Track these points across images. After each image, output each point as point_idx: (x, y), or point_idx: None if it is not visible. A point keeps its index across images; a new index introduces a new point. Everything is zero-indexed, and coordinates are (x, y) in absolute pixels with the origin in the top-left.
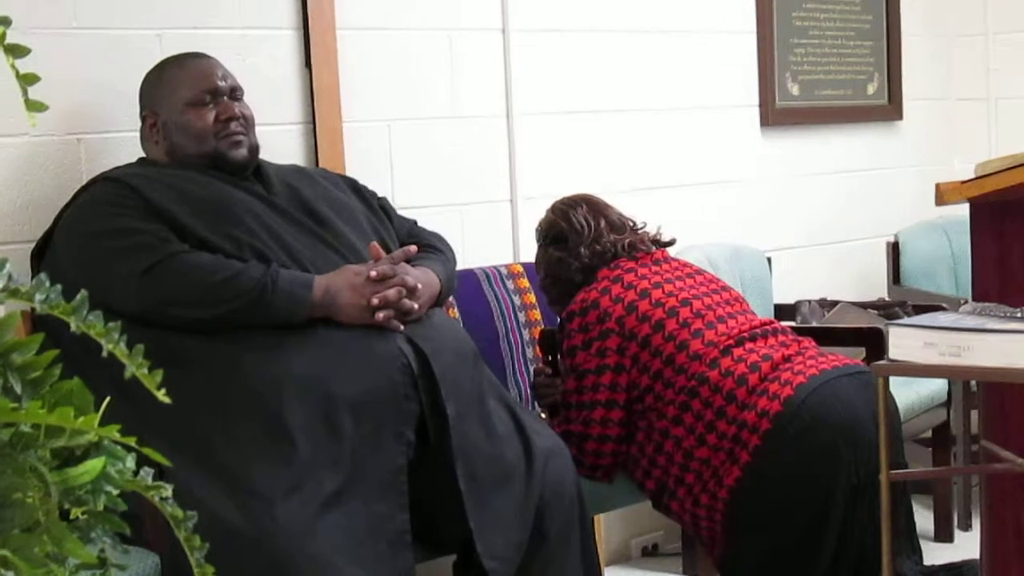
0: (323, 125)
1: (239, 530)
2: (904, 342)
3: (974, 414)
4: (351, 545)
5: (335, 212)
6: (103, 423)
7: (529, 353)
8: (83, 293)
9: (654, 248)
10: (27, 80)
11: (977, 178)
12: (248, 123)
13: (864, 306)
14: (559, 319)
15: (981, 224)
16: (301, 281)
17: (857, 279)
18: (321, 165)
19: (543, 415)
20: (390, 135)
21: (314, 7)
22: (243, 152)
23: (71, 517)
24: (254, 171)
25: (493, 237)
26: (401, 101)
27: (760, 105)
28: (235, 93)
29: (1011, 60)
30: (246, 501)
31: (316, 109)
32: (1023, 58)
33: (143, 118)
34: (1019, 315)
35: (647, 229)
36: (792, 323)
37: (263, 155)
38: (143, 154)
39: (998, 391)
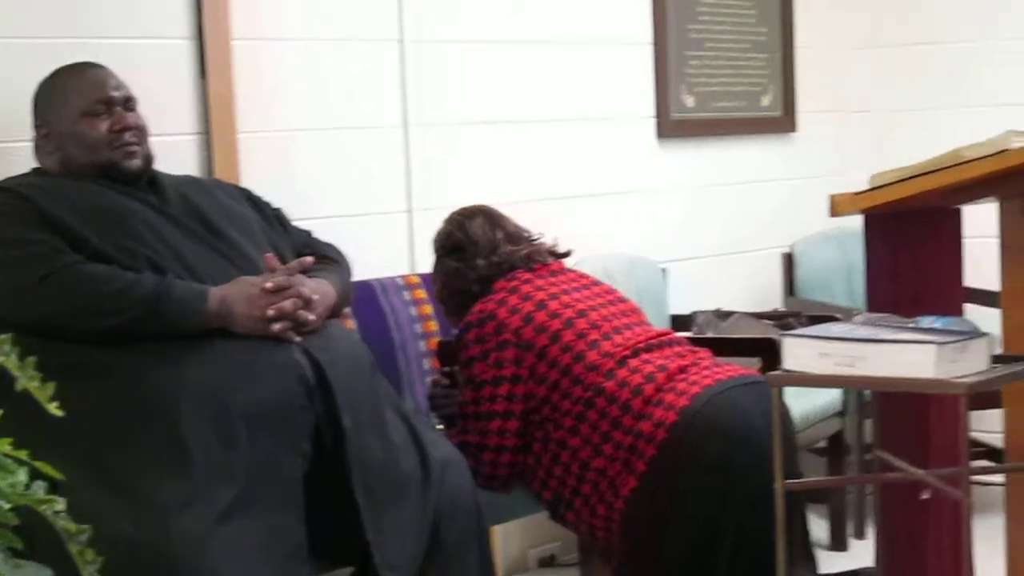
0: (218, 135)
1: (134, 543)
2: (799, 352)
3: (868, 424)
4: (247, 558)
5: (230, 223)
6: None
7: (426, 364)
8: None
9: (551, 259)
10: None
11: (871, 190)
12: (142, 133)
13: (759, 317)
14: (456, 330)
15: (874, 235)
16: (196, 292)
17: (752, 290)
18: (216, 176)
19: (440, 426)
20: (285, 145)
21: (209, 17)
22: (137, 162)
23: None
24: (148, 182)
25: (390, 248)
26: (297, 111)
27: (656, 116)
28: (129, 103)
29: (905, 72)
30: (141, 514)
31: (211, 119)
32: (917, 70)
33: (36, 128)
34: (912, 325)
35: (544, 240)
36: (688, 334)
37: (158, 166)
38: (37, 164)
39: (892, 401)
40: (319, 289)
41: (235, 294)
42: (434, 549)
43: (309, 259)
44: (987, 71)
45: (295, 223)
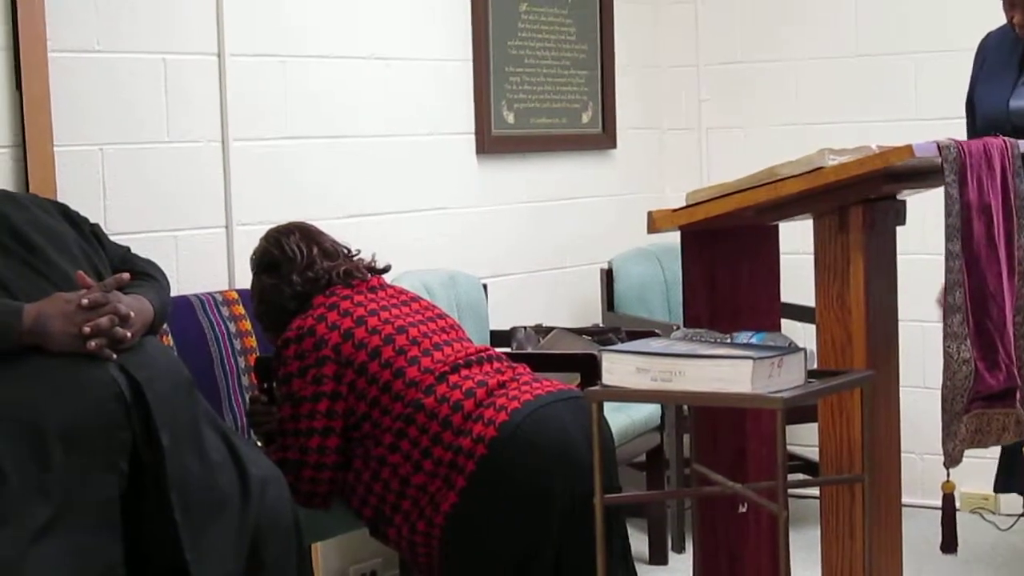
0: (33, 149)
1: None
2: (617, 367)
3: (687, 438)
4: None
5: (46, 239)
6: None
7: (245, 381)
8: None
9: (369, 275)
10: None
11: (688, 206)
12: None
13: (579, 332)
14: (275, 346)
15: (691, 251)
16: (9, 309)
17: (572, 305)
18: (31, 190)
19: (259, 443)
20: (103, 160)
21: (25, 27)
22: None
23: None
24: None
25: (208, 264)
26: (114, 125)
27: (476, 133)
28: None
29: (721, 91)
30: None
31: (26, 132)
32: (732, 89)
33: None
34: (729, 341)
35: (362, 256)
36: (507, 349)
37: None
38: None
39: (709, 416)
40: (136, 306)
41: (50, 311)
42: (254, 567)
43: (126, 275)
44: (803, 90)
45: (113, 239)
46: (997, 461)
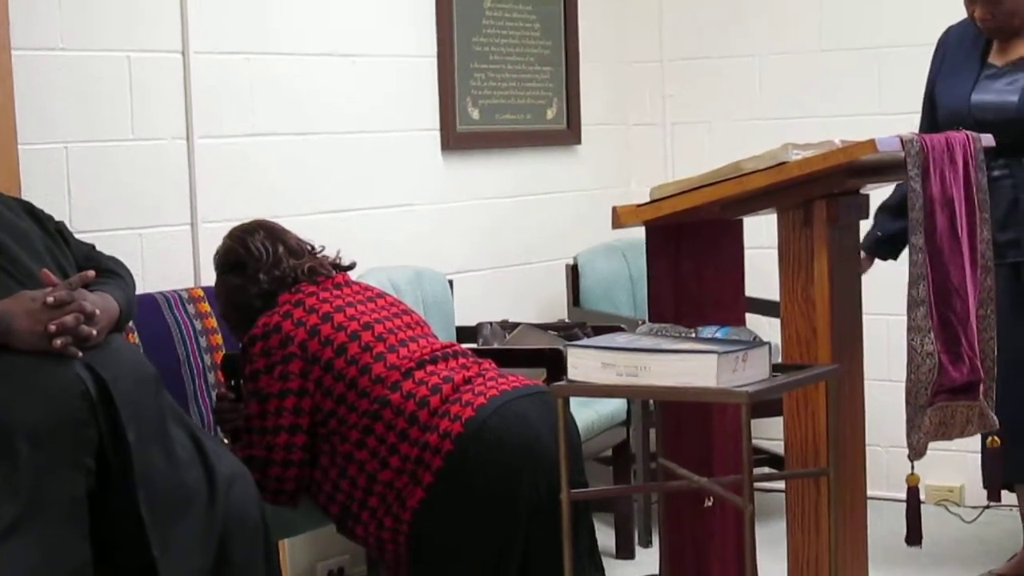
0: None
1: None
2: (583, 363)
3: (653, 432)
4: None
5: (10, 237)
6: None
7: (211, 378)
8: None
9: (335, 272)
10: None
11: (652, 201)
12: None
13: (545, 328)
14: (241, 344)
15: (656, 246)
16: None
17: (538, 301)
18: None
19: (226, 440)
20: (67, 158)
21: None
22: None
23: None
24: None
25: (173, 261)
26: (79, 123)
27: (441, 129)
28: None
29: (685, 86)
30: None
31: None
32: (697, 84)
33: None
34: (693, 335)
35: (327, 253)
36: (473, 345)
37: None
38: None
39: (674, 410)
40: (101, 303)
41: (15, 309)
42: (221, 565)
43: (91, 273)
44: (766, 84)
45: (78, 236)
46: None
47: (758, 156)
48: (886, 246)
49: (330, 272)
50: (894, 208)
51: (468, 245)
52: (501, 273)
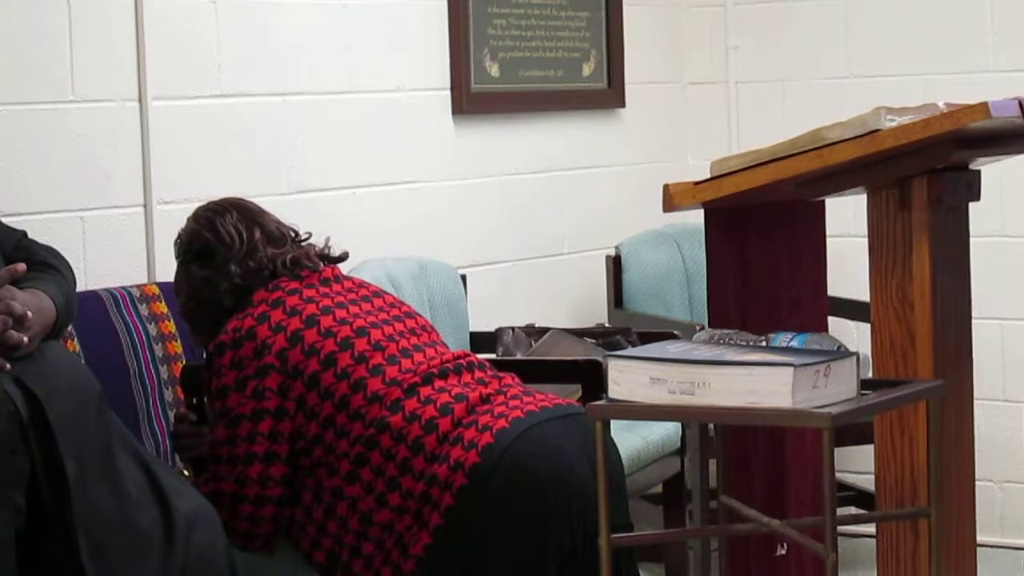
0: None
1: None
2: (627, 377)
3: (712, 464)
4: None
5: None
6: None
7: (168, 395)
8: None
9: (322, 264)
10: None
11: (712, 178)
12: None
13: (580, 334)
14: (205, 353)
15: (718, 234)
16: None
17: (571, 301)
18: None
19: (186, 472)
20: None
21: None
22: None
23: None
24: None
25: (122, 251)
26: (4, 82)
27: (452, 89)
28: None
29: (754, 36)
30: None
31: None
32: (768, 33)
33: None
34: (763, 343)
35: (313, 241)
36: (492, 356)
37: None
38: None
39: (740, 436)
40: (34, 303)
41: None
42: None
43: (21, 266)
44: (853, 34)
45: (5, 221)
46: None
47: (843, 123)
48: None
49: (316, 265)
50: None
51: (485, 232)
52: (525, 266)
